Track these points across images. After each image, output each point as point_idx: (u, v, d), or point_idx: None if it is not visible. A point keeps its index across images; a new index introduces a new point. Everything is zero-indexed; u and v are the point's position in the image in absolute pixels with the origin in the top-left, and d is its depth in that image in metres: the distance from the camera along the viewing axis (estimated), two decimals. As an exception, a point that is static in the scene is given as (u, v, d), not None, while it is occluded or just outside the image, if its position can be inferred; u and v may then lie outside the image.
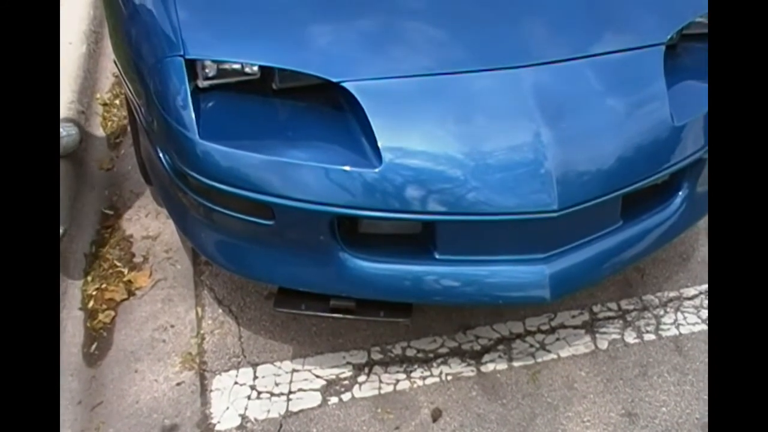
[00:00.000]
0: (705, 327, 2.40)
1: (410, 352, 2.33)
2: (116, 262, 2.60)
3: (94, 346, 2.36)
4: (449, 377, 2.26)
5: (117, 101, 3.29)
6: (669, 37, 2.11)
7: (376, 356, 2.32)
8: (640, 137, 1.98)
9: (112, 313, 2.45)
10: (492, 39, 2.01)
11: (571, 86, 1.97)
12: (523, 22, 2.07)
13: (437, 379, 2.25)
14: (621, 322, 2.44)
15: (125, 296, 2.50)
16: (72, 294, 2.49)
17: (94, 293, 2.50)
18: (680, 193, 2.17)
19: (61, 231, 2.39)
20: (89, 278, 2.55)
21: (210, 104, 1.95)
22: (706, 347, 2.32)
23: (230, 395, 2.20)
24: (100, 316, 2.44)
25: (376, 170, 1.80)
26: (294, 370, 2.27)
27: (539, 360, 2.32)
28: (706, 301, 2.47)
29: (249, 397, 2.20)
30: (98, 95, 3.34)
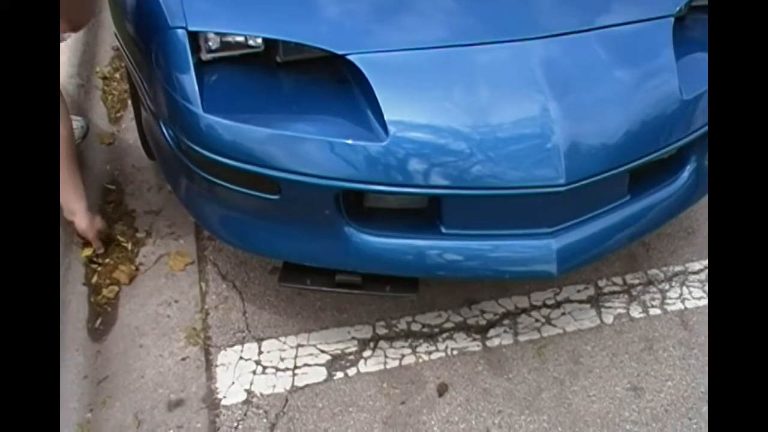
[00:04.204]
0: (710, 301, 2.40)
1: (415, 327, 2.33)
2: (119, 237, 2.58)
3: (98, 321, 2.36)
4: (455, 352, 2.26)
5: (117, 75, 3.26)
6: (678, 9, 2.07)
7: (381, 331, 2.31)
8: (649, 111, 1.95)
9: (116, 288, 2.45)
10: (499, 11, 1.98)
11: (579, 59, 1.94)
12: (531, -6, 2.04)
13: (443, 354, 2.25)
14: (626, 296, 2.44)
15: (129, 271, 2.49)
16: (76, 269, 2.48)
17: (98, 268, 2.49)
18: (688, 167, 2.15)
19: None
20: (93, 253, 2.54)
21: (213, 77, 1.92)
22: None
23: (235, 370, 2.20)
24: (104, 292, 2.43)
25: (383, 144, 1.78)
26: (299, 345, 2.27)
27: (545, 335, 2.31)
28: (712, 276, 2.47)
29: (254, 372, 2.20)
30: (98, 69, 3.30)
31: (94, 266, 2.49)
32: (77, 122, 2.70)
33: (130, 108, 2.89)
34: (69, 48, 3.21)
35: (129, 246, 2.56)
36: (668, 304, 2.41)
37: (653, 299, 2.42)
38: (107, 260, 2.51)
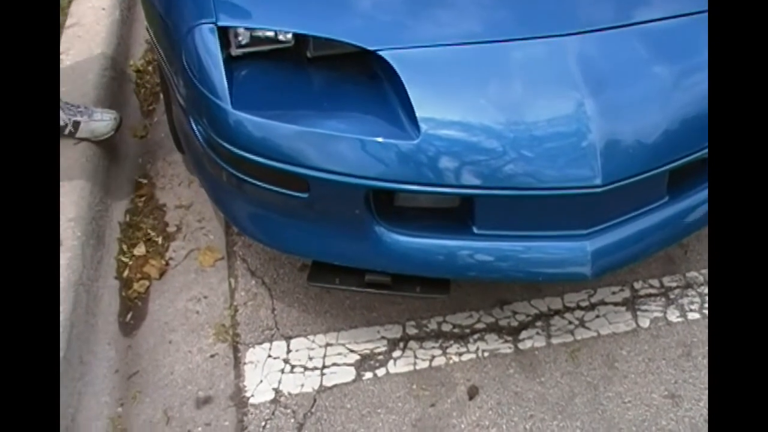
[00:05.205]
0: (752, 305, 2.32)
1: (446, 327, 2.29)
2: (150, 231, 2.59)
3: (129, 316, 2.36)
4: (486, 354, 2.22)
5: (150, 68, 3.26)
6: (722, 2, 2.00)
7: (412, 331, 2.28)
8: (690, 108, 1.89)
9: (147, 282, 2.45)
10: (535, 5, 1.93)
11: (617, 55, 1.88)
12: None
13: (473, 356, 2.21)
14: (663, 299, 2.37)
15: (159, 266, 2.49)
16: (107, 263, 2.48)
17: (129, 262, 2.50)
18: (730, 167, 2.08)
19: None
20: (124, 247, 2.54)
21: (243, 73, 1.90)
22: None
23: (264, 368, 2.19)
24: (135, 286, 2.43)
25: (414, 142, 1.75)
26: (328, 344, 2.24)
27: (578, 337, 2.26)
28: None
29: (282, 371, 2.18)
30: (131, 62, 3.31)
31: (126, 260, 2.50)
32: (110, 114, 2.70)
33: (163, 101, 2.89)
34: (104, 41, 3.21)
35: (159, 240, 2.56)
36: (707, 308, 2.34)
37: (692, 303, 2.35)
38: (138, 254, 2.51)
